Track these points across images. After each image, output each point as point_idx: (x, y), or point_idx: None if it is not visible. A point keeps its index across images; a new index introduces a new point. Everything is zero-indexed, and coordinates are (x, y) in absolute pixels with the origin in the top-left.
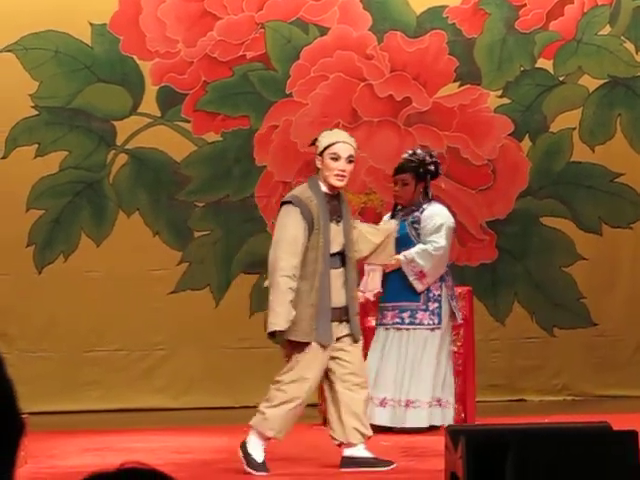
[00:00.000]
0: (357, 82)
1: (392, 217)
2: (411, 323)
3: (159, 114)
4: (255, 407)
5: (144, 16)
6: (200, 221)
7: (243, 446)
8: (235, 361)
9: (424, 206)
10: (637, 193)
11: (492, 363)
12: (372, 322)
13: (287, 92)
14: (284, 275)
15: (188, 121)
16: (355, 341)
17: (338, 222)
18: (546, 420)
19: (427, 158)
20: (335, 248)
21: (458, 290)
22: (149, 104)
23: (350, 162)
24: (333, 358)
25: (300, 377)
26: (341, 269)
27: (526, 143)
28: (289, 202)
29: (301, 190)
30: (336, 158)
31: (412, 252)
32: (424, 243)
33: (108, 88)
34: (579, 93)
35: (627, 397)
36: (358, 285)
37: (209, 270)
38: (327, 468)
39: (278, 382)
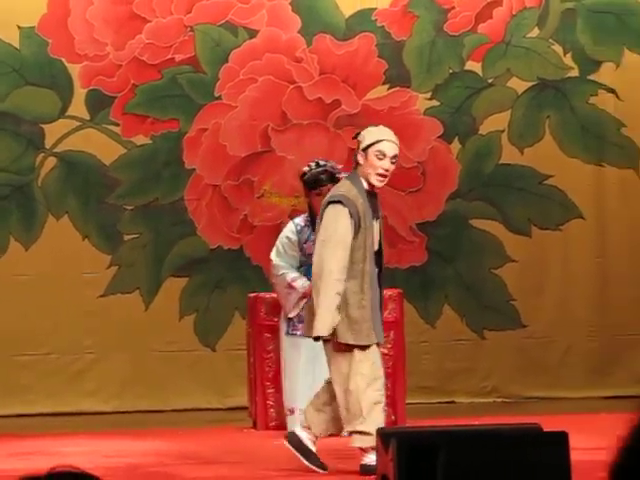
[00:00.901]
0: (286, 85)
1: (313, 229)
2: None
3: (88, 117)
4: (185, 410)
5: (72, 19)
6: (129, 224)
7: (368, 468)
8: (165, 364)
9: None
10: (566, 195)
11: (422, 365)
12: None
13: (216, 95)
14: (333, 279)
15: (117, 124)
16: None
17: (377, 220)
18: (477, 422)
19: (336, 167)
20: (375, 246)
21: (388, 292)
22: (78, 107)
23: (393, 162)
24: None
25: (374, 378)
26: (376, 268)
27: (455, 145)
28: (338, 202)
29: (347, 188)
30: (382, 157)
31: None
32: None
33: (36, 91)
34: (508, 95)
35: (557, 399)
36: None
37: (139, 273)
38: (259, 471)
39: (352, 391)
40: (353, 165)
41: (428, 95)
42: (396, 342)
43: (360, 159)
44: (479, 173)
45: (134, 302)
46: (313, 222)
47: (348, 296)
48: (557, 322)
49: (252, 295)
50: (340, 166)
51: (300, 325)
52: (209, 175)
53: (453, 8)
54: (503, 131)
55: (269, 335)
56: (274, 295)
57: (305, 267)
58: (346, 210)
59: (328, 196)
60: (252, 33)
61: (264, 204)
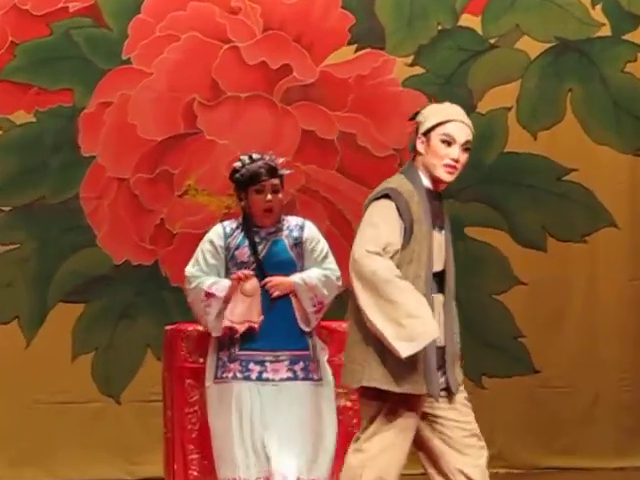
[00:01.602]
0: (218, 44)
1: (249, 232)
2: (306, 377)
3: None
4: None
5: None
6: (5, 231)
7: None
8: (53, 420)
9: (293, 221)
10: (593, 195)
11: None
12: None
13: (124, 57)
14: (393, 276)
15: None
16: (450, 397)
17: (441, 230)
18: None
19: (278, 162)
20: (437, 266)
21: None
22: None
23: (466, 150)
24: (430, 421)
25: (390, 444)
26: (440, 295)
27: None
28: (385, 196)
29: (399, 182)
30: (449, 142)
31: (312, 277)
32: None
33: None
34: (516, 60)
35: (580, 469)
36: None
37: (18, 297)
38: None
39: (361, 451)
40: (410, 155)
41: (409, 59)
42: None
43: (420, 146)
44: (477, 165)
45: (11, 335)
46: (249, 226)
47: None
48: (580, 366)
49: (170, 327)
50: (282, 159)
51: (232, 365)
52: (113, 165)
53: None
54: (510, 109)
55: (192, 381)
56: (199, 327)
57: None
58: (393, 205)
59: (372, 193)
60: None
61: (187, 205)
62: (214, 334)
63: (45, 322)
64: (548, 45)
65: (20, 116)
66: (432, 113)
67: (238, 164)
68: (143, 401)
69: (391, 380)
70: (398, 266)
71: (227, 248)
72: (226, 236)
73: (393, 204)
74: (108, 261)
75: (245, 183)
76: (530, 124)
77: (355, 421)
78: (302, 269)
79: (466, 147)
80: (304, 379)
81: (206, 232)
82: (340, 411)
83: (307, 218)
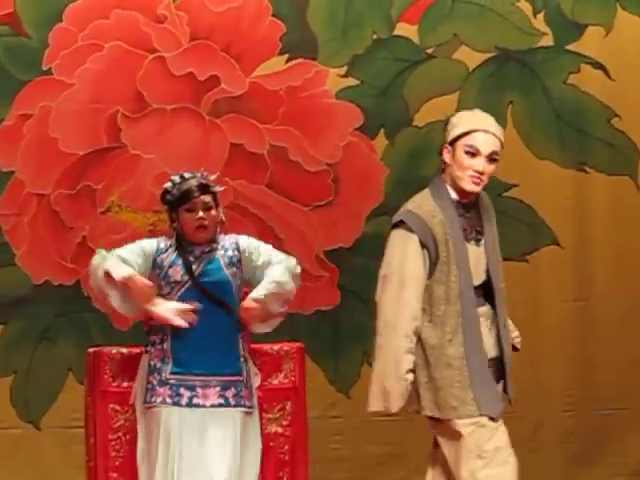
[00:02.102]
0: (144, 54)
1: (183, 252)
2: (237, 404)
3: None
4: None
5: None
6: None
7: None
8: None
9: (226, 239)
10: (535, 212)
11: (333, 450)
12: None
13: (44, 68)
14: (401, 334)
15: None
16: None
17: (478, 242)
18: None
19: (211, 179)
20: (477, 279)
21: (284, 347)
22: None
23: (493, 161)
24: None
25: (502, 461)
26: (486, 307)
27: (381, 141)
28: (401, 223)
29: (419, 201)
30: (474, 153)
31: (270, 280)
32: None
33: None
34: (455, 71)
35: None
36: None
37: None
38: None
39: None
40: (441, 165)
41: (342, 70)
42: (295, 417)
43: (446, 156)
44: (414, 180)
45: None
46: (182, 245)
47: (427, 352)
48: (522, 391)
49: (93, 350)
50: (214, 175)
51: (161, 389)
52: (33, 181)
53: None
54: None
55: (116, 406)
56: (123, 350)
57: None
58: (414, 237)
59: (395, 215)
60: None
61: (111, 222)
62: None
63: None
64: (488, 55)
65: None
66: (459, 122)
67: (169, 184)
68: (64, 427)
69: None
70: (430, 287)
71: (160, 266)
72: (159, 251)
73: (414, 236)
74: (27, 281)
75: (176, 203)
76: None
77: (287, 447)
78: (238, 289)
79: (492, 158)
80: (236, 406)
81: None
82: (271, 437)
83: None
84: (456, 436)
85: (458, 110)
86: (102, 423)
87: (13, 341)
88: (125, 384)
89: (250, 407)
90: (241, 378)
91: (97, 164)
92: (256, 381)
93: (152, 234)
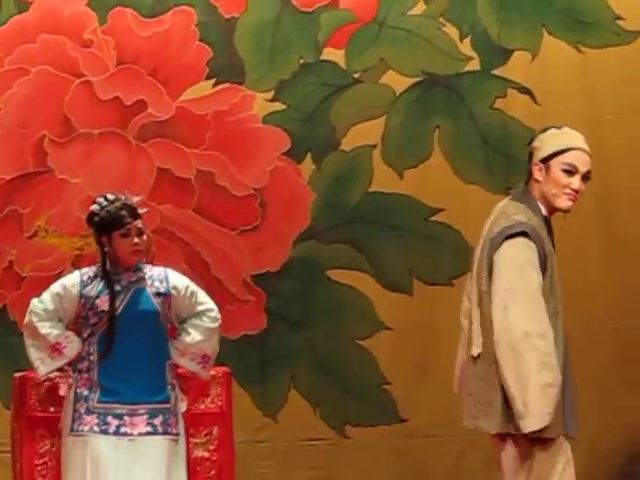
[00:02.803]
0: (70, 78)
1: (109, 281)
2: (165, 432)
3: None
4: None
5: None
6: None
7: None
8: None
9: (154, 270)
10: (462, 236)
11: (260, 475)
12: None
13: None
14: (534, 345)
15: None
16: None
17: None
18: None
19: (136, 202)
20: None
21: (212, 372)
22: None
23: (586, 179)
24: None
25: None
26: None
27: (308, 166)
28: (522, 233)
29: (526, 214)
30: (571, 171)
31: (184, 337)
32: (194, 317)
33: None
34: (382, 96)
35: None
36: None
37: None
38: None
39: None
40: (526, 181)
41: (269, 95)
42: (222, 442)
43: (537, 174)
44: (341, 205)
45: None
46: (108, 274)
47: None
48: (449, 414)
49: (19, 375)
50: (137, 198)
51: (88, 417)
52: None
53: None
54: (375, 146)
55: (43, 431)
56: (50, 375)
57: (100, 335)
58: (534, 246)
59: (501, 227)
60: (23, 6)
61: (38, 246)
62: (42, 376)
63: None
64: (415, 80)
65: None
66: (552, 139)
67: (96, 207)
68: None
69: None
70: None
71: (86, 297)
72: (83, 284)
73: (532, 244)
74: None
75: (108, 227)
76: (396, 162)
77: (213, 472)
78: (167, 318)
79: (586, 177)
80: (163, 433)
81: (60, 274)
82: (198, 462)
83: (166, 263)
84: (537, 454)
85: (386, 134)
86: (29, 448)
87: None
88: (52, 409)
89: (177, 434)
90: (169, 406)
91: (24, 188)
92: (182, 407)
93: (80, 259)
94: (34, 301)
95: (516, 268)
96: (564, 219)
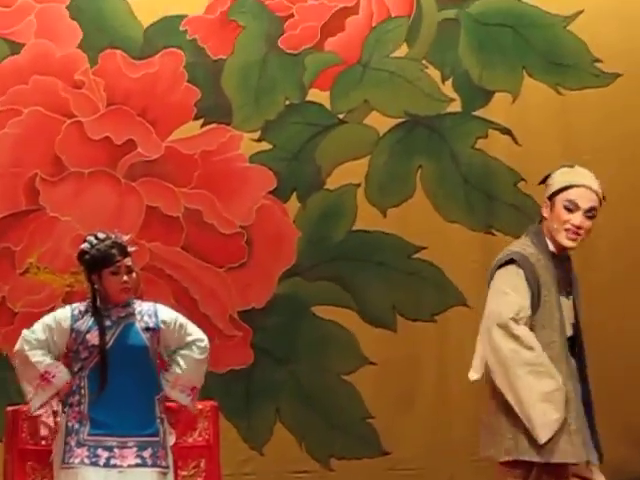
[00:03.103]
0: (61, 119)
1: (98, 316)
2: (154, 464)
3: None
4: None
5: None
6: None
7: None
8: None
9: (144, 306)
10: (443, 274)
11: None
12: None
13: None
14: (523, 363)
15: None
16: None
17: (569, 296)
18: None
19: (125, 240)
20: (567, 331)
21: (199, 406)
22: None
23: (590, 217)
24: None
25: None
26: (572, 359)
27: (293, 204)
28: (511, 261)
29: (523, 245)
30: (571, 208)
31: (174, 369)
32: (184, 347)
33: None
34: (366, 136)
35: None
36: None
37: None
38: None
39: None
40: (539, 218)
41: (256, 135)
42: (209, 474)
43: (544, 210)
44: (325, 242)
45: None
46: (98, 310)
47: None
48: (432, 447)
49: (11, 409)
50: (127, 236)
51: (79, 450)
52: None
53: (291, 16)
54: (359, 185)
55: (34, 463)
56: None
57: (91, 370)
58: (522, 272)
59: (496, 259)
60: (15, 47)
61: (29, 283)
62: (34, 412)
63: None
64: (398, 121)
65: None
66: (559, 177)
67: (86, 245)
68: None
69: (544, 450)
70: (532, 329)
71: (77, 331)
72: (74, 319)
73: (520, 270)
74: None
75: (98, 265)
76: (379, 201)
77: None
78: (156, 352)
79: (590, 214)
80: (152, 466)
81: (52, 309)
82: None
83: (155, 299)
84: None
85: (370, 174)
86: None
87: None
88: (43, 442)
89: (166, 467)
90: (157, 439)
91: (16, 226)
92: (170, 440)
93: (70, 295)
94: (25, 331)
95: (499, 293)
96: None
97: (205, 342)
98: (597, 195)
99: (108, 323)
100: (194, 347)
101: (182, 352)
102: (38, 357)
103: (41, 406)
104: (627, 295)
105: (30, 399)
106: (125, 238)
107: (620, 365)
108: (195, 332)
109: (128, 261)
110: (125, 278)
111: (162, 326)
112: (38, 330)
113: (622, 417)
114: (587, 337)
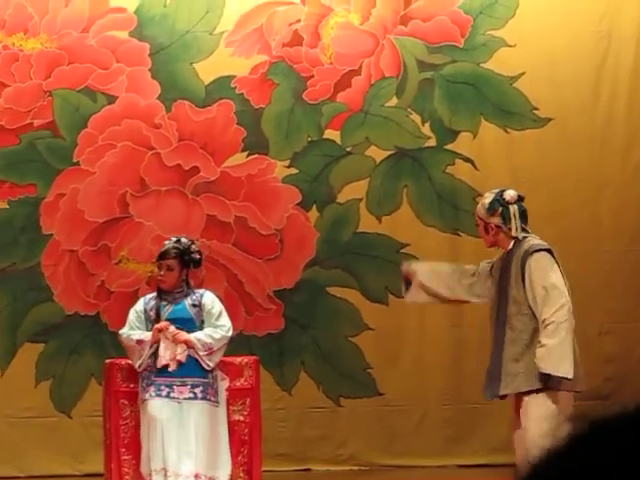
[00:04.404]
0: (145, 151)
1: (160, 298)
2: (204, 398)
3: None
4: (41, 477)
5: None
6: None
7: None
8: (20, 431)
9: (198, 291)
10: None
11: (278, 433)
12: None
13: (74, 160)
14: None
15: None
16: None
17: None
18: None
19: (192, 246)
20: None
21: (245, 360)
22: None
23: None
24: None
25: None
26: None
27: (313, 213)
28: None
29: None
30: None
31: (201, 333)
32: (213, 326)
33: None
34: (366, 164)
35: (413, 467)
36: None
37: None
38: None
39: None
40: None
41: (286, 163)
42: (252, 409)
43: None
44: (337, 241)
45: None
46: (159, 295)
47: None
48: (413, 390)
49: (108, 361)
50: (192, 239)
51: (149, 387)
52: (67, 240)
53: (312, 76)
54: (361, 199)
55: (125, 401)
56: (130, 361)
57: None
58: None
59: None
60: (111, 99)
61: (121, 270)
62: (139, 369)
63: (15, 357)
64: (390, 152)
65: None
66: None
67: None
68: (88, 416)
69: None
70: None
71: (146, 311)
72: (145, 304)
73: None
74: (62, 312)
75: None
76: (376, 211)
77: (246, 431)
78: (202, 324)
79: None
80: (202, 399)
81: (137, 290)
82: (235, 424)
83: (208, 287)
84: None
85: (369, 191)
86: (115, 413)
87: (52, 355)
88: (131, 385)
89: (216, 402)
90: (206, 380)
91: (112, 229)
92: (224, 384)
93: (151, 279)
94: (120, 331)
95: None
96: None
97: (227, 330)
98: (477, 210)
99: (164, 303)
100: (218, 329)
101: (209, 328)
102: (131, 336)
103: (143, 363)
104: None
105: (138, 364)
106: (185, 241)
107: None
108: (224, 320)
109: (168, 262)
110: (162, 273)
111: (203, 307)
112: (127, 327)
113: None
114: None
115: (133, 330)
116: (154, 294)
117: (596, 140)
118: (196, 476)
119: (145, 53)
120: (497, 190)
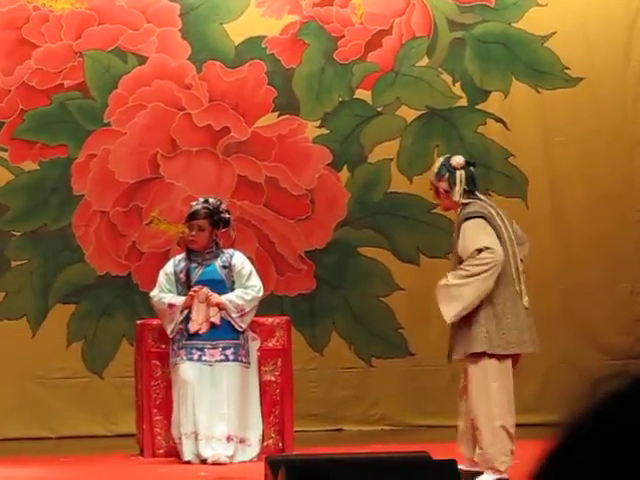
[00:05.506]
0: (175, 111)
1: (190, 260)
2: (235, 360)
3: None
4: (72, 437)
5: None
6: (17, 250)
7: None
8: (52, 391)
9: (228, 251)
10: (452, 223)
11: (310, 393)
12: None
13: (105, 121)
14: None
15: (5, 150)
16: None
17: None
18: (365, 450)
19: (221, 206)
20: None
21: (276, 320)
22: None
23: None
24: None
25: None
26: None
27: (344, 173)
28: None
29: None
30: None
31: (233, 294)
32: (243, 287)
33: None
34: (397, 124)
35: (444, 427)
36: None
37: (26, 300)
38: None
39: None
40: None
41: (317, 123)
42: (284, 369)
43: None
44: (368, 201)
45: (21, 329)
46: (189, 255)
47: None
48: (443, 350)
49: (140, 322)
50: (221, 200)
51: (181, 351)
52: (97, 201)
53: (343, 37)
54: (392, 159)
55: (157, 362)
56: (161, 322)
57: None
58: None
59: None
60: (142, 59)
61: (152, 231)
62: (170, 335)
63: (46, 318)
64: (420, 112)
65: (28, 165)
66: None
67: (193, 204)
68: (120, 377)
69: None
70: None
71: (176, 273)
72: (175, 266)
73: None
74: (93, 273)
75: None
76: (407, 171)
77: (278, 391)
78: (232, 285)
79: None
80: (234, 361)
81: (168, 251)
82: (267, 384)
83: (239, 248)
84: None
85: (400, 151)
86: (146, 374)
87: (83, 316)
88: (163, 346)
89: (247, 363)
90: (239, 342)
91: (143, 189)
92: (255, 345)
93: (182, 240)
94: (151, 293)
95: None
96: None
97: (257, 290)
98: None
99: (194, 265)
100: (249, 290)
101: (240, 289)
102: (162, 299)
103: (174, 328)
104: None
105: (170, 329)
106: (213, 201)
107: None
108: (254, 281)
109: (199, 222)
110: (193, 233)
111: (234, 267)
112: (157, 289)
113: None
114: None
115: (163, 292)
116: (183, 255)
117: (627, 100)
118: (228, 438)
119: (175, 13)
120: (446, 156)
